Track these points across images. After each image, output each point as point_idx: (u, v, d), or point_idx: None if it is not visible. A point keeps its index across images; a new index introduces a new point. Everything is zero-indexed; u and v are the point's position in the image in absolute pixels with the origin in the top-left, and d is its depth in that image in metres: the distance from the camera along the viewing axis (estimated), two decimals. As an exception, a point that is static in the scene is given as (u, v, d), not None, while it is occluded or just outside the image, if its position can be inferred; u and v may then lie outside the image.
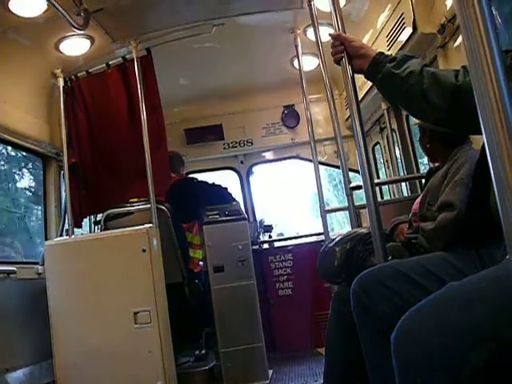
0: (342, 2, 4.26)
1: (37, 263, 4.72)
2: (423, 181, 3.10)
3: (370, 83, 3.78)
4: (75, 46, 4.72)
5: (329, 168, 7.51)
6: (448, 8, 3.42)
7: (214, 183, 5.16)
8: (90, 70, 4.92)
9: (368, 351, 1.94)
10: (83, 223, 5.17)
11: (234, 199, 5.10)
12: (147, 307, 3.90)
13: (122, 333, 3.93)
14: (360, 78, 2.25)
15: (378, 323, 1.81)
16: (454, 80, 1.84)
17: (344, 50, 2.19)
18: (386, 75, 2.02)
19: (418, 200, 2.82)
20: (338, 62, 2.23)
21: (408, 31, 3.89)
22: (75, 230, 4.83)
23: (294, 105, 6.59)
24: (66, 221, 4.90)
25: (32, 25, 4.19)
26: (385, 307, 1.81)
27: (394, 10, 4.14)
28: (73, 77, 4.95)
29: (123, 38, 4.75)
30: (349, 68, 2.20)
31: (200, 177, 5.95)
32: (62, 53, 4.72)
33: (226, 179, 6.99)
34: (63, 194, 5.13)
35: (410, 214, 2.89)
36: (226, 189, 5.13)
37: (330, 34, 2.29)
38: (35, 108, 4.90)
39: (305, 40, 5.05)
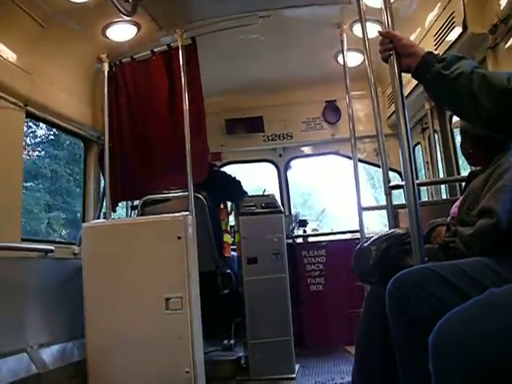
0: (391, -1, 4.21)
1: (74, 243, 4.82)
2: (463, 184, 3.05)
3: (414, 82, 3.72)
4: (122, 32, 4.76)
5: (367, 166, 7.46)
6: (502, 8, 3.35)
7: (230, 175, 5.24)
8: (134, 57, 4.98)
9: (402, 354, 1.91)
10: (120, 207, 5.25)
11: (246, 193, 5.10)
12: (179, 294, 3.94)
13: (153, 318, 3.97)
14: (405, 77, 2.22)
15: (414, 325, 1.78)
16: (506, 83, 1.80)
17: (393, 47, 2.16)
18: (434, 75, 1.99)
19: (457, 203, 2.77)
20: (386, 59, 2.20)
21: (457, 31, 3.82)
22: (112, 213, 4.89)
23: (335, 100, 6.56)
24: (104, 204, 4.96)
25: (81, 10, 4.24)
26: (422, 309, 1.79)
27: (443, 9, 4.06)
28: (117, 62, 5.01)
29: (169, 25, 4.78)
30: (397, 66, 2.16)
31: (238, 168, 5.98)
32: (108, 38, 4.77)
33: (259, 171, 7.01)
34: (101, 177, 5.20)
35: (449, 218, 2.85)
36: (239, 182, 5.15)
37: (379, 32, 2.26)
38: (80, 92, 4.97)
39: (350, 36, 5.01)
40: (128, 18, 4.40)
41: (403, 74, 2.20)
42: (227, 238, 5.20)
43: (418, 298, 1.82)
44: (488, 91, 1.84)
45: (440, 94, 2.07)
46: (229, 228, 5.43)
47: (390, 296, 1.92)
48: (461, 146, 2.94)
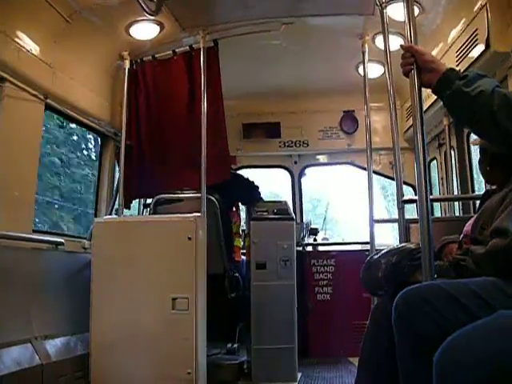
0: (415, 13, 4.20)
1: (84, 238, 4.84)
2: (477, 202, 3.02)
3: (433, 97, 3.72)
4: (145, 30, 4.81)
5: (381, 179, 7.43)
6: (527, 27, 3.33)
7: (247, 178, 5.22)
8: (156, 56, 5.00)
9: (405, 369, 1.89)
10: (132, 205, 5.26)
11: (262, 199, 5.10)
12: (186, 294, 3.94)
13: (158, 317, 3.98)
14: (424, 91, 2.21)
15: (419, 342, 1.76)
16: None
17: (414, 62, 2.15)
18: (455, 92, 1.98)
19: (471, 222, 2.74)
20: (406, 73, 2.19)
21: (480, 48, 3.81)
22: (124, 210, 4.90)
23: (353, 111, 6.55)
24: (117, 200, 4.98)
25: (106, 7, 4.29)
26: (428, 326, 1.77)
27: (467, 25, 4.04)
28: (139, 60, 5.03)
29: (192, 27, 4.81)
30: (417, 81, 2.15)
31: (251, 173, 5.98)
32: (131, 36, 4.82)
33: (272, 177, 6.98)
34: (116, 173, 5.23)
35: (462, 235, 2.83)
36: (257, 187, 5.14)
37: (401, 45, 2.25)
38: (99, 87, 5.01)
39: (372, 47, 5.00)
40: (152, 17, 4.43)
41: (422, 89, 2.19)
42: (238, 242, 5.19)
43: (425, 314, 1.80)
44: (508, 111, 1.83)
45: (460, 111, 2.06)
46: (240, 231, 5.43)
47: (396, 310, 1.91)
48: (479, 163, 2.92)
